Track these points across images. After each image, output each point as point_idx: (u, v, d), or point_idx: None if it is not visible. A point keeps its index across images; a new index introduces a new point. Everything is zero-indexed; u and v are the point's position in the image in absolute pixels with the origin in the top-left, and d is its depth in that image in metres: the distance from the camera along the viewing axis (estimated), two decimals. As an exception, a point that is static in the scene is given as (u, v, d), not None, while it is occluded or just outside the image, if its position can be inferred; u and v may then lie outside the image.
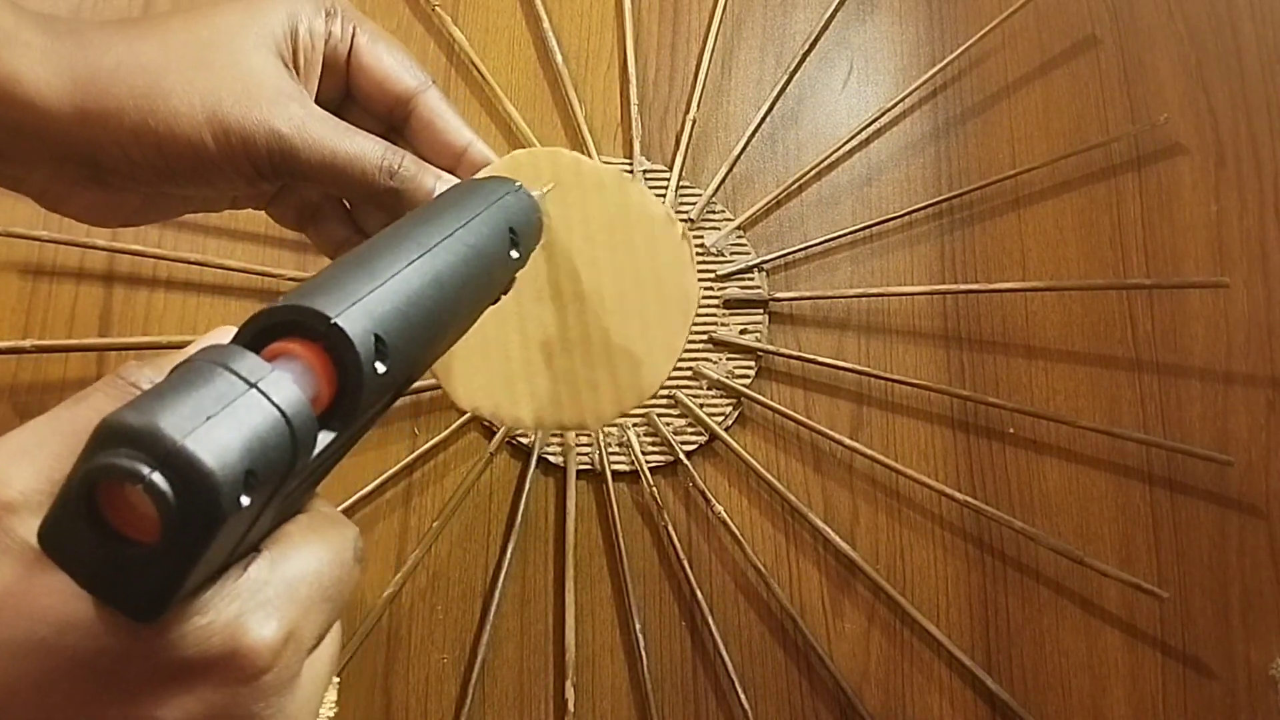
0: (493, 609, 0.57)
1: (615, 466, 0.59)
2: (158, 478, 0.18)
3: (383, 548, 0.59)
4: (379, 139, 0.36)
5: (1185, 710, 0.58)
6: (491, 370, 0.38)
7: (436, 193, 0.37)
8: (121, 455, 0.18)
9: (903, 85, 0.65)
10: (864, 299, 0.62)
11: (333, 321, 0.23)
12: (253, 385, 0.20)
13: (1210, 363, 0.62)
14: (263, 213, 0.62)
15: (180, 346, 0.60)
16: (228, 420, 0.19)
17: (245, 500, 0.19)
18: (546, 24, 0.65)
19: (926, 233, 0.63)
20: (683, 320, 0.39)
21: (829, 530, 0.58)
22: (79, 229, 0.61)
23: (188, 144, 0.32)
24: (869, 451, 0.59)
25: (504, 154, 0.39)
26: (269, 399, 0.20)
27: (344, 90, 0.37)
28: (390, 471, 0.59)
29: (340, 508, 0.58)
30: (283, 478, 0.21)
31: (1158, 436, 0.60)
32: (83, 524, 0.19)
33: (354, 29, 0.36)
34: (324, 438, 0.23)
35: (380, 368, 0.24)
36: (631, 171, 0.63)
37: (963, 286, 0.62)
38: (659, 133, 0.65)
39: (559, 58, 0.64)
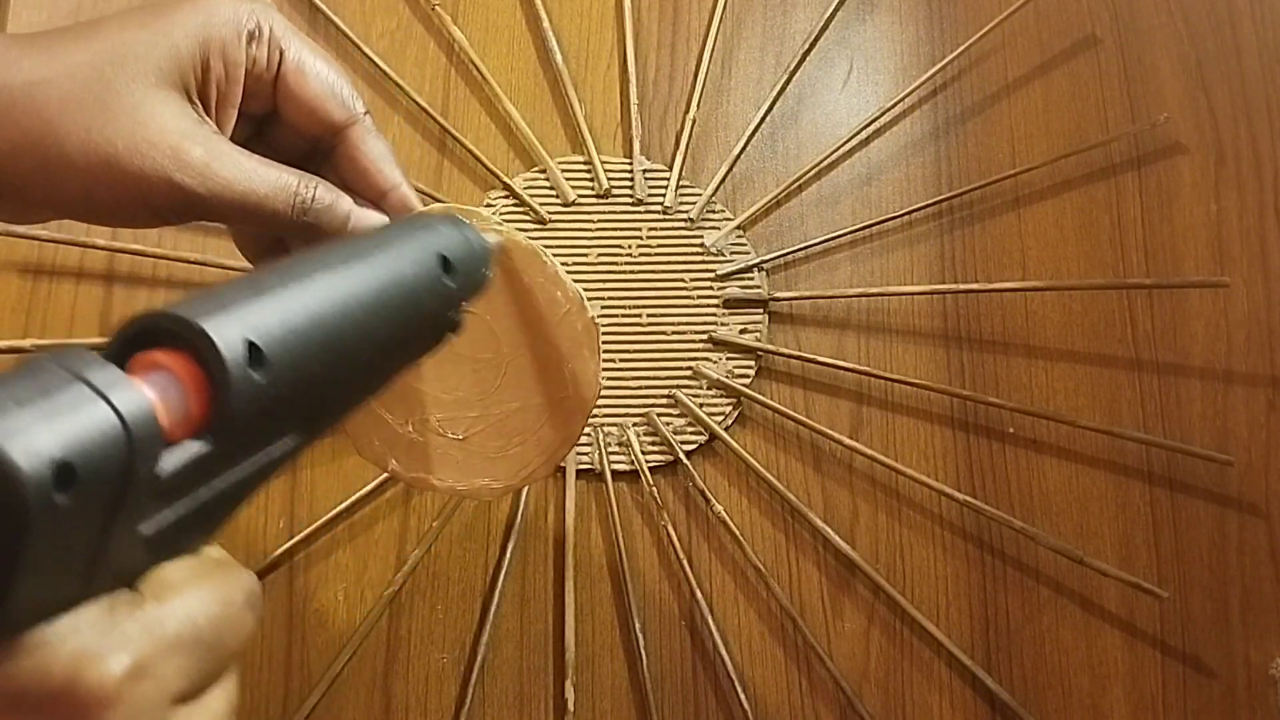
0: (493, 609, 0.57)
1: (615, 466, 0.59)
2: None
3: (383, 548, 0.59)
4: (291, 171, 0.34)
5: (1185, 710, 0.58)
6: (399, 427, 0.38)
7: (353, 221, 0.35)
8: None
9: (903, 85, 0.65)
10: (864, 299, 0.62)
11: (196, 326, 0.21)
12: (80, 378, 0.19)
13: (1210, 362, 0.62)
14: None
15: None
16: (42, 408, 0.18)
17: (61, 497, 0.18)
18: (546, 24, 0.65)
19: (926, 232, 0.63)
20: (582, 408, 0.38)
21: (829, 530, 0.58)
22: (79, 229, 0.61)
23: (80, 192, 0.31)
24: (869, 451, 0.59)
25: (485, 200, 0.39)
26: (96, 390, 0.19)
27: (272, 109, 0.36)
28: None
29: (340, 507, 0.58)
30: (120, 482, 0.19)
31: (1158, 436, 0.60)
32: None
33: (281, 53, 0.34)
34: (190, 448, 0.21)
35: (257, 377, 0.22)
36: (632, 172, 0.63)
37: (963, 286, 0.62)
38: (659, 132, 0.65)
39: (559, 57, 0.64)
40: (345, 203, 0.35)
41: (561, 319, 0.38)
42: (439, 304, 0.31)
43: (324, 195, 0.35)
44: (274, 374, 0.23)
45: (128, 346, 0.22)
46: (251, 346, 0.22)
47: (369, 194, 0.37)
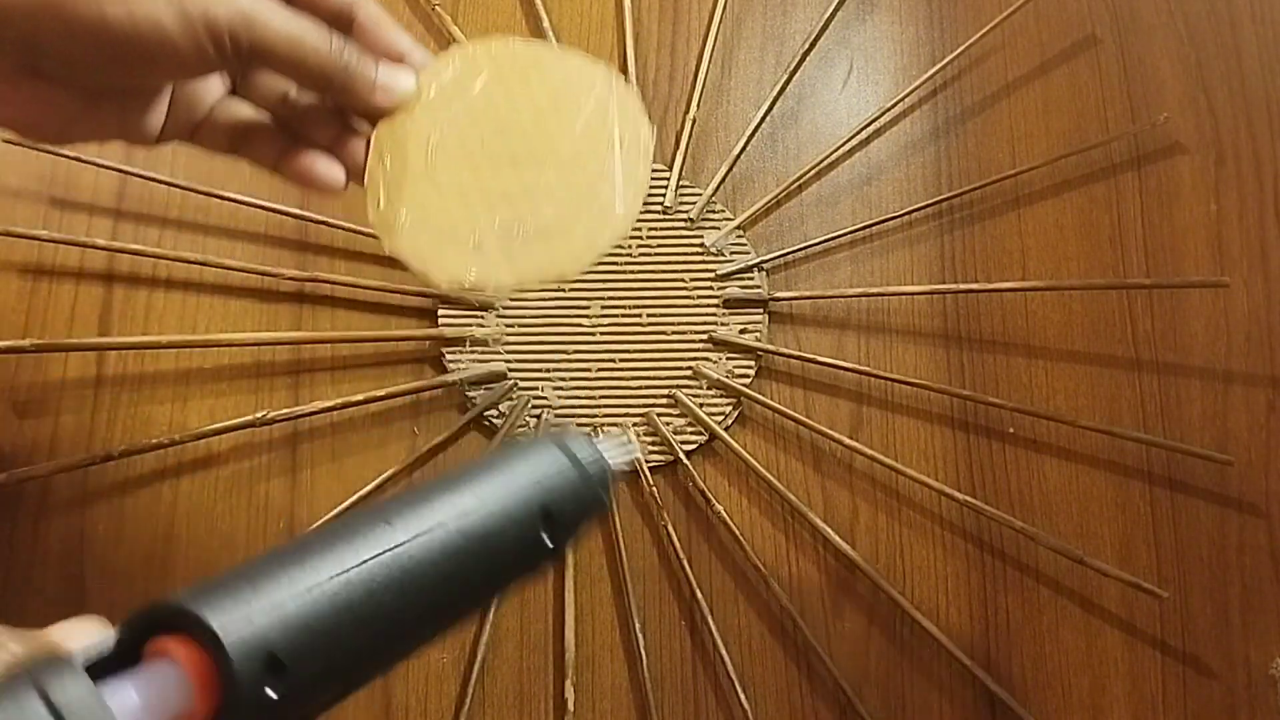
0: (493, 609, 0.57)
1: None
2: None
3: (383, 547, 0.59)
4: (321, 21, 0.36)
5: (1185, 710, 0.58)
6: (462, 244, 0.38)
7: (381, 77, 0.37)
8: None
9: (903, 85, 0.65)
10: (864, 299, 0.62)
11: (205, 624, 0.19)
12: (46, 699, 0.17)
13: (1210, 362, 0.62)
14: (263, 213, 0.62)
15: (180, 346, 0.61)
16: None
17: None
18: (546, 24, 0.65)
19: (926, 232, 0.63)
20: (643, 158, 0.39)
21: (829, 530, 0.58)
22: (79, 229, 0.61)
23: (146, 23, 0.33)
24: (869, 451, 0.59)
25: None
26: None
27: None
28: (390, 471, 0.59)
29: (340, 507, 0.58)
30: None
31: (1158, 436, 0.60)
32: None
33: None
34: None
35: (271, 693, 0.20)
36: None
37: (963, 286, 0.62)
38: (659, 132, 0.65)
39: (559, 57, 0.64)
40: (371, 62, 0.38)
41: (598, 95, 0.39)
42: (532, 561, 0.26)
43: (353, 48, 0.37)
44: (293, 687, 0.20)
45: (141, 631, 0.20)
46: (272, 659, 0.20)
47: (387, 59, 0.39)
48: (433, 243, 0.38)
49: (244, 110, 0.40)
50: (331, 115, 0.40)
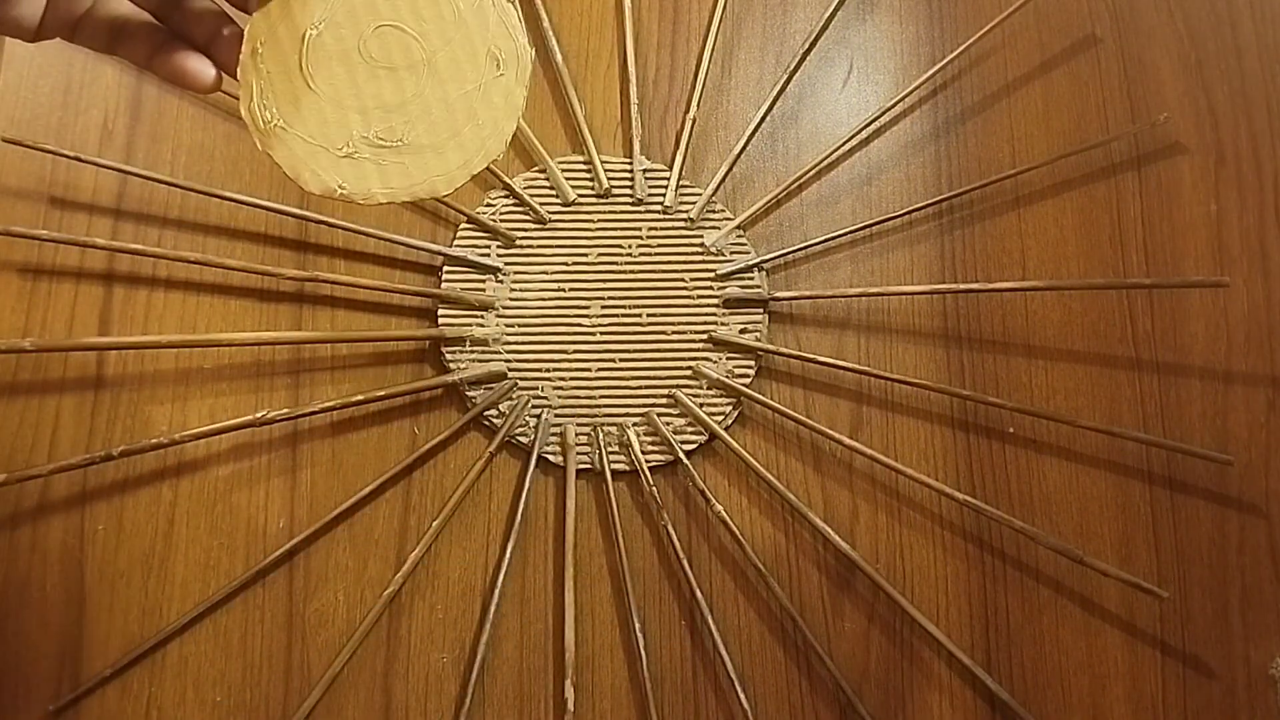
0: (492, 608, 0.57)
1: (615, 466, 0.59)
2: None
3: (382, 547, 0.59)
4: None
5: (1185, 710, 0.58)
6: (335, 150, 0.39)
7: None
8: None
9: (903, 84, 0.65)
10: (864, 298, 0.62)
11: None
12: None
13: (1210, 362, 0.62)
14: (263, 213, 0.62)
15: (180, 346, 0.61)
16: None
17: None
18: (546, 23, 0.65)
19: (926, 232, 0.63)
20: (519, 78, 0.39)
21: (829, 530, 0.58)
22: (79, 229, 0.61)
23: None
24: (869, 451, 0.59)
25: None
26: None
27: None
28: (390, 471, 0.59)
29: (341, 508, 0.58)
30: None
31: (1158, 436, 0.60)
32: None
33: None
34: None
35: None
36: (631, 172, 0.63)
37: (963, 286, 0.62)
38: (659, 132, 0.65)
39: (559, 57, 0.64)
40: None
41: (477, 5, 0.39)
42: None
43: None
44: None
45: None
46: None
47: None
48: (305, 147, 0.39)
49: (124, 6, 0.39)
50: (209, 11, 0.39)
